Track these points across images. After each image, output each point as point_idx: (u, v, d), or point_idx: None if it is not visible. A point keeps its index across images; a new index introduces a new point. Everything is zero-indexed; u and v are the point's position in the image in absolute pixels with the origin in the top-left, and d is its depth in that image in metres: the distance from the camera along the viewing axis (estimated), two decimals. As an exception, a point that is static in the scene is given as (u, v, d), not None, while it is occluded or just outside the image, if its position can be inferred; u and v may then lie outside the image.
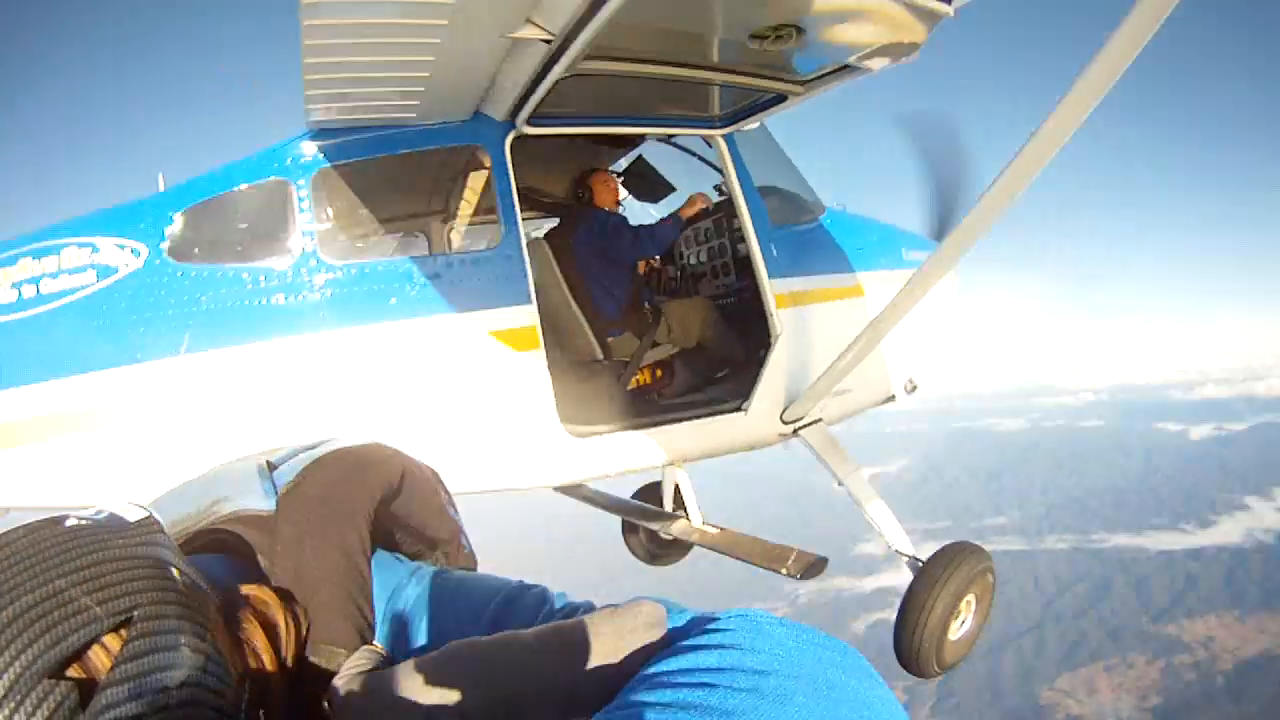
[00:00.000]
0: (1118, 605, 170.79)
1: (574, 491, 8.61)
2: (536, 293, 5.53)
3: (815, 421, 6.61)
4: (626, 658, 0.94)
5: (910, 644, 6.73)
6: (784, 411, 6.39)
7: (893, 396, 7.63)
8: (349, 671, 1.11)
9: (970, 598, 6.97)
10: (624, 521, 9.95)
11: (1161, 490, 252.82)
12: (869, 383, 7.03)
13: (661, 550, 10.77)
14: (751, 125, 6.33)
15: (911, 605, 6.79)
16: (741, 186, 6.24)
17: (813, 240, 6.86)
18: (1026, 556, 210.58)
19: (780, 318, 6.16)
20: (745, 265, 7.17)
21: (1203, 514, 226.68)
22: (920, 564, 7.10)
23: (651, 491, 9.78)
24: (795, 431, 6.58)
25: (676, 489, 9.61)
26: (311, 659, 1.16)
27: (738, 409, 6.29)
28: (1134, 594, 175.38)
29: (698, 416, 6.32)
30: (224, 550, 1.31)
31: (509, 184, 5.50)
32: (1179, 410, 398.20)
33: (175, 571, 0.93)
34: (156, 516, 1.03)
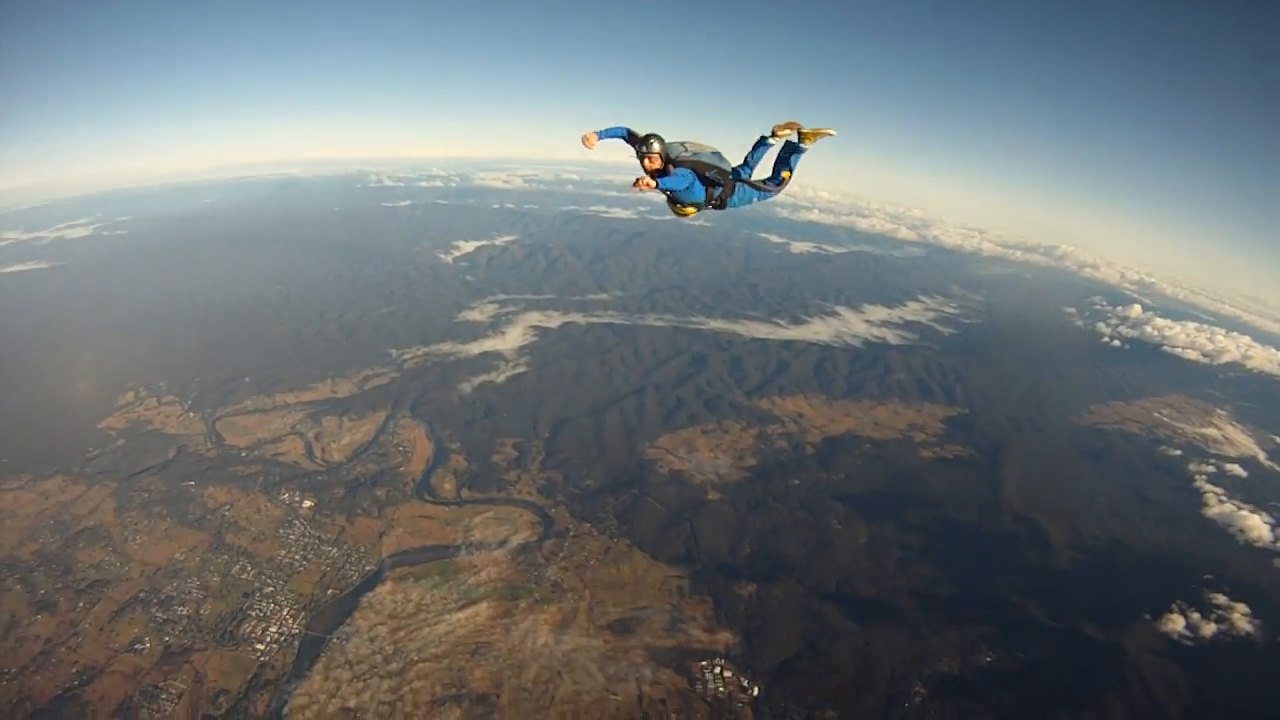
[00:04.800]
0: (714, 379, 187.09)
1: None
2: None
3: None
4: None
5: None
6: None
7: None
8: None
9: None
10: None
11: (760, 289, 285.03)
12: None
13: None
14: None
15: None
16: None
17: None
18: (628, 330, 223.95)
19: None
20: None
21: (796, 314, 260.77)
22: None
23: None
24: None
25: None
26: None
27: None
28: (729, 371, 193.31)
29: None
30: None
31: None
32: (784, 227, 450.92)
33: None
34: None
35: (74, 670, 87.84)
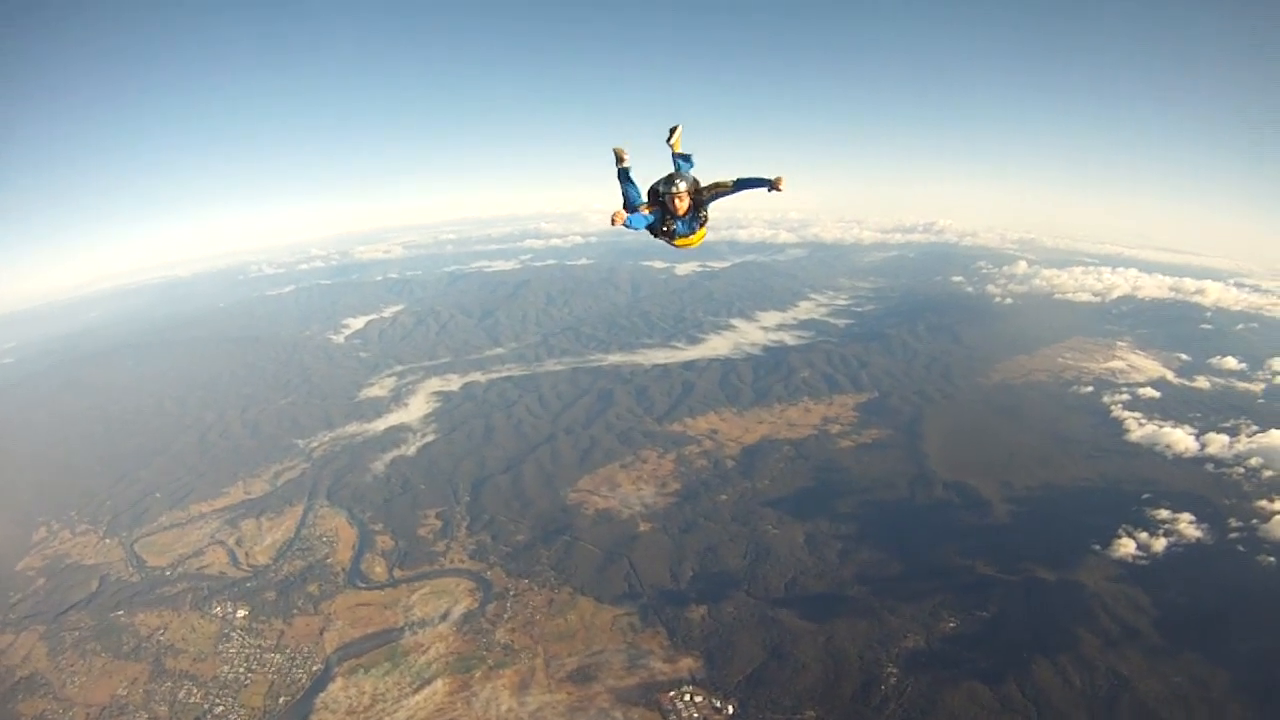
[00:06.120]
0: (623, 412, 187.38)
1: None
2: None
3: None
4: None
5: None
6: None
7: None
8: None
9: None
10: None
11: (652, 316, 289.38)
12: None
13: None
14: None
15: None
16: None
17: None
18: (529, 380, 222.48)
19: None
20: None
21: (692, 334, 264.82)
22: None
23: None
24: None
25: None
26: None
27: None
28: (636, 402, 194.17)
29: None
30: None
31: None
32: (666, 252, 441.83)
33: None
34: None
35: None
